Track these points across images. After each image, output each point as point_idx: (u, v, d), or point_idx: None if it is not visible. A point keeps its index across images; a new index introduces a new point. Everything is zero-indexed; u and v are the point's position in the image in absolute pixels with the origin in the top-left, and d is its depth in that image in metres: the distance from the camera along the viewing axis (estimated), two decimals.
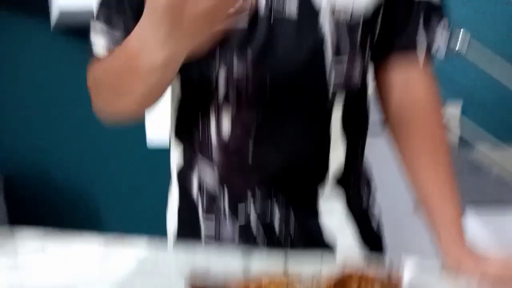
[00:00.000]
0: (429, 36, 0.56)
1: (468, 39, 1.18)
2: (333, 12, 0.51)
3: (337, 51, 0.53)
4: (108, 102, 0.53)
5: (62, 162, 1.77)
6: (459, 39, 0.61)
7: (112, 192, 1.78)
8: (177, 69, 0.46)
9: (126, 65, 0.45)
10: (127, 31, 0.46)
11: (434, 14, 0.56)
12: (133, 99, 0.49)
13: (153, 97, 0.50)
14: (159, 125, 1.44)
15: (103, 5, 0.55)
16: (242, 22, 0.51)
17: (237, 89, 0.53)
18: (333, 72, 0.53)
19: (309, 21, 0.51)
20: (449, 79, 1.68)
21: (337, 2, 0.51)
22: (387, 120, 0.61)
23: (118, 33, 0.54)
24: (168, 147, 0.65)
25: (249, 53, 0.52)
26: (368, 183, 0.64)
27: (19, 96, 1.80)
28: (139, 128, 1.49)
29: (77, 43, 1.48)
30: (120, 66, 0.46)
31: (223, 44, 0.51)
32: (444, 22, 0.57)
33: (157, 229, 0.68)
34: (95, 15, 0.56)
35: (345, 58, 0.53)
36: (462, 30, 0.95)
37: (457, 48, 0.59)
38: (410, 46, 0.57)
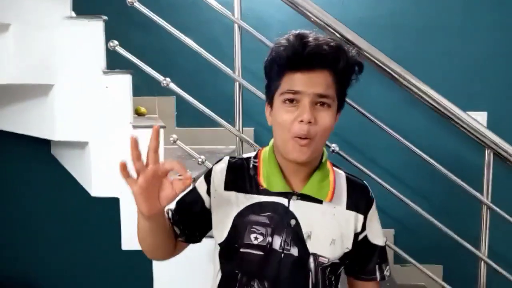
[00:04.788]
0: (382, 274, 0.97)
1: None
2: (316, 257, 0.89)
3: (315, 276, 0.89)
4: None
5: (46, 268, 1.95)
6: None
7: None
8: (145, 223, 0.85)
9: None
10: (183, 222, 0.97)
11: (383, 262, 0.97)
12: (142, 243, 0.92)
13: (149, 240, 0.90)
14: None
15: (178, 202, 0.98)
16: (262, 252, 0.89)
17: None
18: (312, 284, 0.89)
19: (303, 259, 0.88)
20: None
21: (319, 251, 0.89)
22: None
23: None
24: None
25: (267, 268, 0.88)
26: None
27: (13, 214, 1.95)
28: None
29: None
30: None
31: (247, 264, 0.89)
32: (388, 266, 0.98)
33: None
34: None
35: (320, 279, 0.90)
36: None
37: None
38: (371, 278, 0.97)
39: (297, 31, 0.86)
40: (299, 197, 0.90)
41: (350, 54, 0.86)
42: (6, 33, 1.33)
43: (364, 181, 0.98)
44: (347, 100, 1.58)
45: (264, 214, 0.89)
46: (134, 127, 1.45)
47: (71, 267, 1.91)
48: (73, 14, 1.44)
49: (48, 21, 1.39)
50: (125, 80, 1.44)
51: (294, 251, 0.88)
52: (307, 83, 0.82)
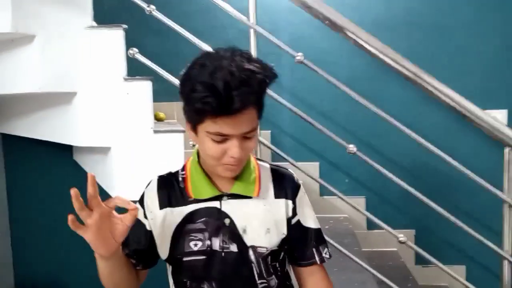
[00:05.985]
0: (320, 256, 0.99)
1: None
2: (255, 249, 0.93)
3: (258, 266, 0.94)
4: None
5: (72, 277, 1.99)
6: None
7: None
8: (106, 263, 0.90)
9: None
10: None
11: (321, 244, 1.00)
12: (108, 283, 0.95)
13: (115, 278, 0.94)
14: None
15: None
16: (204, 256, 0.92)
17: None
18: (257, 274, 0.94)
19: (243, 253, 0.93)
20: None
21: (257, 243, 0.93)
22: None
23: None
24: None
25: (212, 269, 0.92)
26: None
27: (37, 219, 1.99)
28: None
29: None
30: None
31: (193, 271, 0.93)
32: (326, 248, 1.01)
33: None
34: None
35: (264, 268, 0.94)
36: None
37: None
38: (312, 261, 0.99)
39: (218, 73, 0.79)
40: (229, 197, 0.94)
41: (269, 80, 0.84)
42: (31, 44, 1.39)
43: (289, 169, 1.01)
44: (365, 101, 1.60)
45: (199, 220, 0.93)
46: (155, 131, 1.49)
47: (93, 270, 1.96)
48: (94, 24, 1.50)
49: (70, 32, 1.44)
50: (145, 86, 1.48)
51: (233, 248, 0.92)
52: (234, 126, 0.82)
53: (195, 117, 0.84)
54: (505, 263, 1.57)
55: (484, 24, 2.34)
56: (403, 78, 1.53)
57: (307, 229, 0.99)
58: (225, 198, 0.93)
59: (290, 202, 0.97)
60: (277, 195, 0.96)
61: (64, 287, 2.07)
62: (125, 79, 1.47)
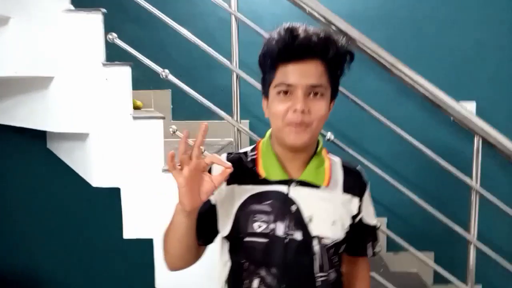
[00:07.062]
0: (372, 251, 1.05)
1: None
2: (320, 239, 0.92)
3: (321, 258, 0.93)
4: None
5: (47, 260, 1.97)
6: None
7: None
8: (184, 220, 0.88)
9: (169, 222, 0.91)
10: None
11: (375, 241, 1.05)
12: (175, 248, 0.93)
13: (184, 242, 0.92)
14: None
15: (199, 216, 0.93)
16: (266, 239, 0.92)
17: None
18: (318, 266, 0.93)
19: (307, 242, 0.92)
20: None
21: (322, 233, 0.92)
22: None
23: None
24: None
25: (272, 255, 0.91)
26: None
27: (13, 209, 1.96)
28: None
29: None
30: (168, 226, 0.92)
31: (253, 253, 0.92)
32: (378, 243, 1.07)
33: None
34: None
35: (326, 261, 0.94)
36: None
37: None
38: (363, 255, 1.06)
39: (288, 24, 0.89)
40: (297, 184, 0.93)
41: (339, 43, 0.89)
42: (6, 26, 1.35)
43: (358, 166, 1.04)
44: (341, 89, 1.63)
45: (266, 202, 0.92)
46: (134, 118, 1.48)
47: (74, 258, 1.94)
48: (72, 7, 1.47)
49: (47, 14, 1.41)
50: (124, 72, 1.47)
51: (298, 235, 0.91)
52: (299, 75, 0.85)
53: (266, 75, 0.91)
54: (471, 247, 1.65)
55: (457, 19, 2.41)
56: (379, 70, 1.58)
57: (368, 226, 1.02)
58: (293, 184, 0.93)
59: (357, 200, 0.98)
60: (346, 190, 0.97)
61: (43, 276, 2.04)
62: (104, 65, 1.45)
